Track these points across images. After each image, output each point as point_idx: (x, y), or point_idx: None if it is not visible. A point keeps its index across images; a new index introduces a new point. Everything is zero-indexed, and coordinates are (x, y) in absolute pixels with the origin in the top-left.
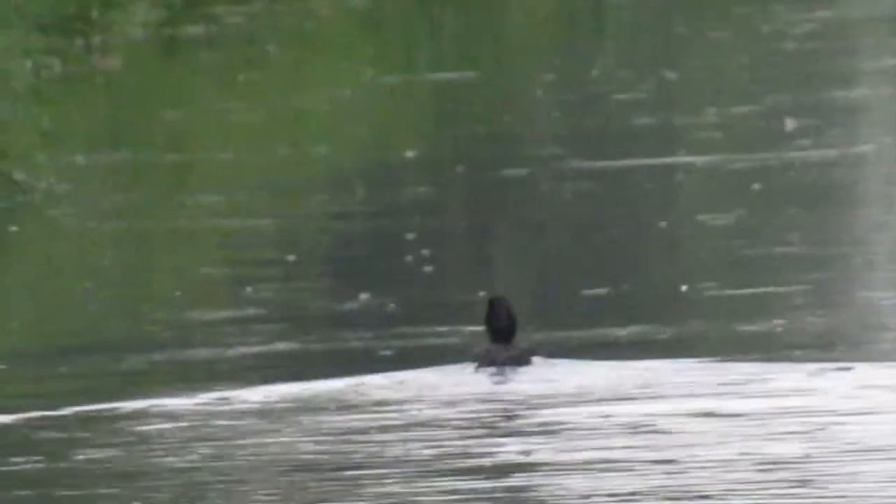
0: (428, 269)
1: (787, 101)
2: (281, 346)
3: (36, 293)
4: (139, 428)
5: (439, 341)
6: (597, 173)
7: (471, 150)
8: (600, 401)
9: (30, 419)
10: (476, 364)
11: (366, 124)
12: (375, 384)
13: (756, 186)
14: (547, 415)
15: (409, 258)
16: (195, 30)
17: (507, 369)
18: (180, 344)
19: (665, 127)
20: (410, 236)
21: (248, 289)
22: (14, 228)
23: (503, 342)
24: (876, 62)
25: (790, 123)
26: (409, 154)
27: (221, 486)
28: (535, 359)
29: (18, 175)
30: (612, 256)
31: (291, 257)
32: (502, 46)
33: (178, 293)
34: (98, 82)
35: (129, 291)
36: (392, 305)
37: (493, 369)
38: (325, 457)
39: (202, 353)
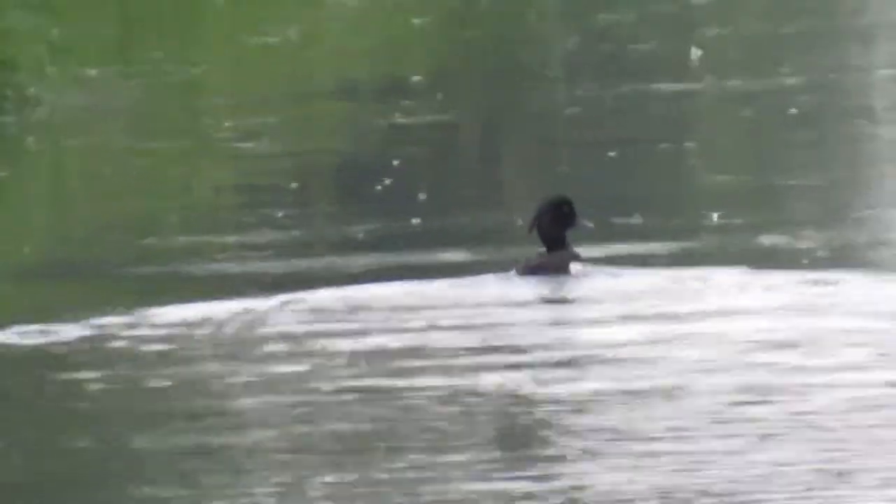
0: (425, 195)
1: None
2: (286, 264)
3: (46, 211)
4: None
5: (454, 259)
6: (596, 97)
7: (480, 72)
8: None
9: (37, 332)
10: (514, 271)
11: (375, 43)
12: (407, 292)
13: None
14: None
15: (415, 182)
16: None
17: (542, 277)
18: (184, 263)
19: (661, 51)
20: (417, 159)
21: (256, 212)
22: (31, 139)
23: (548, 248)
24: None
25: (695, 53)
26: (417, 77)
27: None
28: (576, 266)
29: (30, 90)
30: (618, 178)
31: (295, 184)
32: None
33: (183, 213)
34: None
35: (135, 211)
36: (400, 229)
37: (529, 276)
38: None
39: (206, 270)
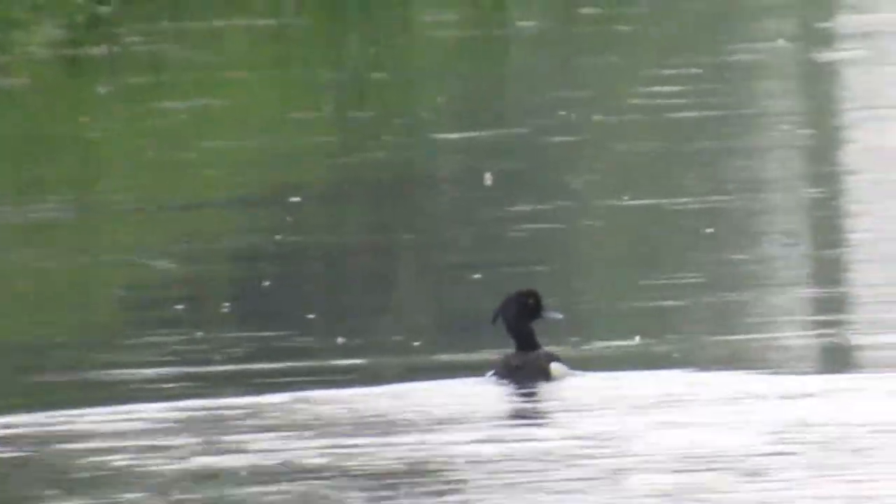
0: (314, 314)
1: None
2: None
3: None
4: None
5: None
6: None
7: (371, 188)
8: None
9: None
10: (491, 373)
11: (268, 160)
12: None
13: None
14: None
15: (303, 300)
16: (98, 51)
17: (520, 382)
18: (72, 377)
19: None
20: (307, 277)
21: (144, 331)
22: None
23: (518, 343)
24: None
25: (488, 178)
26: (306, 192)
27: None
28: (558, 367)
29: None
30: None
31: (181, 306)
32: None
33: (73, 332)
34: (1, 102)
35: (24, 328)
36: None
37: (505, 381)
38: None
39: (94, 385)
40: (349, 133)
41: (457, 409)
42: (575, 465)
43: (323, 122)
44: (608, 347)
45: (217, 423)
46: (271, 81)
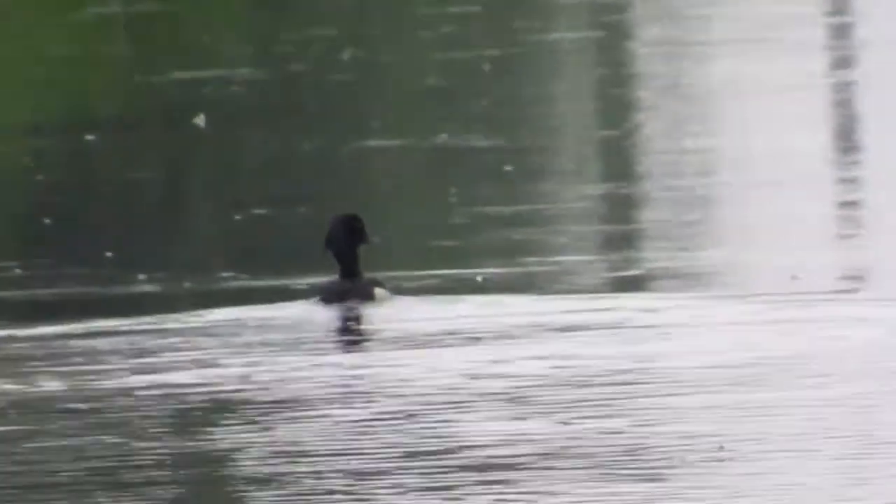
0: (112, 253)
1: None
2: None
3: None
4: None
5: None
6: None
7: (157, 125)
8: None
9: None
10: (317, 298)
11: (56, 97)
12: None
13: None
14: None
15: (101, 239)
16: None
17: (346, 306)
18: None
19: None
20: (104, 214)
21: None
22: None
23: (344, 268)
24: None
25: (201, 120)
26: (102, 127)
27: None
28: (381, 292)
29: None
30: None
31: None
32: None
33: None
34: None
35: None
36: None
37: (332, 305)
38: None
39: None
40: (134, 69)
41: (278, 335)
42: (374, 402)
43: (111, 57)
44: (410, 277)
45: (15, 356)
46: (58, 18)
